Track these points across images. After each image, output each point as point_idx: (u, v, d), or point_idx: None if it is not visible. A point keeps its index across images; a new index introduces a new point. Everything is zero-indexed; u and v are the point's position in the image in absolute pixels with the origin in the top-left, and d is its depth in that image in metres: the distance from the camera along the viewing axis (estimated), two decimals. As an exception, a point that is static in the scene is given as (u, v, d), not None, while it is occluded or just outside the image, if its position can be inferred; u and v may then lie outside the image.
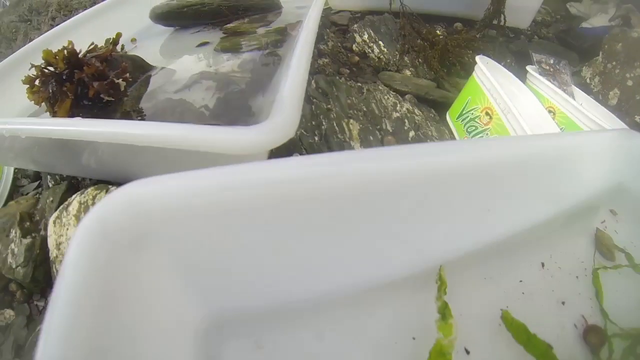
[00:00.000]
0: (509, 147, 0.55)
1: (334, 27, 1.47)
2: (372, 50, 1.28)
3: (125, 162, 0.76)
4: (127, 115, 0.79)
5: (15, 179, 1.16)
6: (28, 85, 0.80)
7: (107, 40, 1.28)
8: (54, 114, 0.79)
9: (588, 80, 1.36)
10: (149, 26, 1.38)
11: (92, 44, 1.24)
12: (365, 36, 1.30)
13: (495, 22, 1.37)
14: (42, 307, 0.84)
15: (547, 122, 0.99)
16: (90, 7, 2.25)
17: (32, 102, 0.80)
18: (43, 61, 0.80)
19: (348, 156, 0.44)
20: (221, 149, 0.50)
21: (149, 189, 0.38)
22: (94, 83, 0.77)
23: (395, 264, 0.52)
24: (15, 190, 1.14)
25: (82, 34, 1.27)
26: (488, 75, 0.94)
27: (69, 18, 2.27)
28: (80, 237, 0.32)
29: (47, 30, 2.32)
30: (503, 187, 0.55)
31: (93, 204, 0.70)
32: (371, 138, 0.90)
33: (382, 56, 1.26)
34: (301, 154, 0.86)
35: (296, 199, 0.42)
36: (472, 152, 0.51)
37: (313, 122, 0.88)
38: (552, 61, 1.22)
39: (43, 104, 0.82)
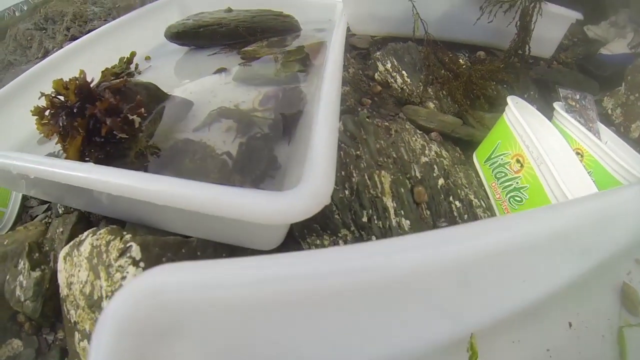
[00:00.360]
0: (551, 219, 0.53)
1: (354, 50, 1.40)
2: (395, 81, 1.21)
3: (142, 211, 0.70)
4: (142, 158, 0.73)
5: (24, 199, 1.11)
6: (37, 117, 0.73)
7: (121, 59, 1.21)
8: (64, 149, 0.71)
9: (610, 111, 1.29)
10: (163, 44, 1.32)
11: (105, 70, 1.18)
12: (389, 65, 1.23)
13: (519, 51, 1.30)
14: (51, 342, 0.79)
15: (575, 166, 0.92)
16: (105, 19, 2.20)
17: (42, 134, 0.73)
18: (53, 90, 0.73)
19: (390, 246, 0.40)
20: (254, 219, 0.46)
21: (172, 279, 0.35)
22: (107, 119, 0.70)
23: (429, 334, 0.49)
24: (24, 211, 1.08)
25: (97, 51, 1.21)
26: (520, 120, 0.87)
27: (83, 29, 2.21)
28: (105, 328, 0.31)
29: (62, 40, 2.26)
30: (542, 256, 0.53)
31: (107, 250, 0.65)
32: (402, 190, 0.85)
33: (405, 87, 1.19)
34: (332, 212, 0.78)
35: (328, 293, 0.39)
36: (515, 228, 0.49)
37: (343, 173, 0.81)
38: (577, 96, 1.15)
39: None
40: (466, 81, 1.22)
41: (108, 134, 0.71)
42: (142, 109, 0.75)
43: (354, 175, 0.84)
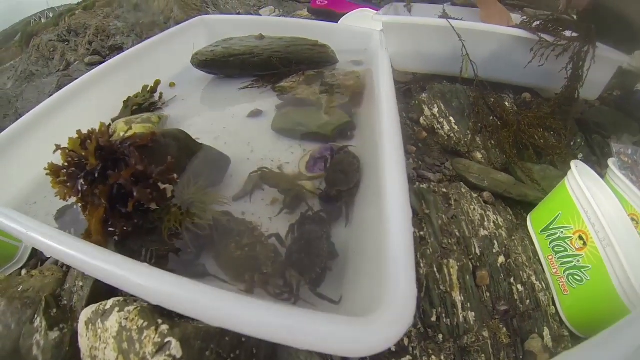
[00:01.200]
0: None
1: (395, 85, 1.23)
2: (442, 127, 1.06)
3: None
4: (177, 238, 0.59)
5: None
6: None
7: (144, 88, 1.06)
8: (85, 216, 0.57)
9: (650, 157, 1.13)
10: (188, 68, 1.16)
11: (128, 100, 1.02)
12: (436, 109, 1.07)
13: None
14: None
15: (631, 234, 0.78)
16: (127, 34, 2.05)
17: (58, 196, 0.58)
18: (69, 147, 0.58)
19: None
20: (335, 352, 0.39)
21: None
22: (133, 189, 0.54)
23: None
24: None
25: (119, 76, 1.05)
26: (585, 192, 0.73)
27: (105, 43, 2.06)
28: None
29: (84, 54, 2.11)
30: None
31: (140, 340, 0.51)
32: (467, 277, 0.74)
33: (452, 134, 1.04)
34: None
35: None
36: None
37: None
38: (629, 151, 1.00)
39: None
40: (516, 130, 1.06)
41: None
42: (175, 176, 0.59)
43: (422, 265, 0.70)
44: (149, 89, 1.05)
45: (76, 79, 1.72)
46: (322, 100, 0.94)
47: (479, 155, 1.02)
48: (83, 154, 0.57)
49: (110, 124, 0.95)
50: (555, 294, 0.76)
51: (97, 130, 0.60)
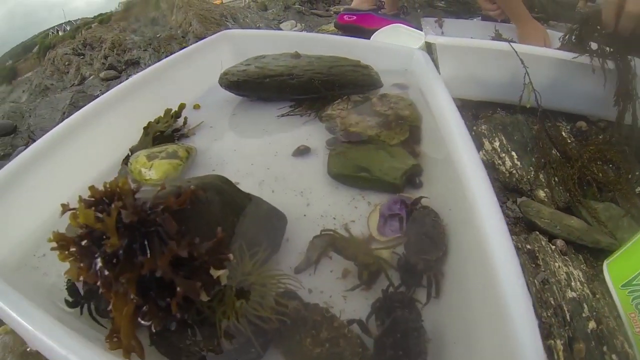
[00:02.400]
0: None
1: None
2: (503, 163, 0.88)
3: None
4: (236, 335, 0.40)
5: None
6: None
7: (167, 112, 0.86)
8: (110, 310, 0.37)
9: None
10: (213, 89, 0.97)
11: (149, 127, 0.82)
12: (497, 144, 0.89)
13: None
14: None
15: None
16: (145, 48, 1.84)
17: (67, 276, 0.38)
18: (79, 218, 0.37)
19: None
20: None
21: None
22: (175, 279, 0.34)
23: None
24: None
25: (138, 99, 0.85)
26: None
27: (121, 58, 1.86)
28: None
29: (99, 68, 1.90)
30: None
31: None
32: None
33: (514, 170, 0.87)
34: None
35: None
36: None
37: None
38: None
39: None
40: (580, 167, 0.89)
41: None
42: (230, 256, 0.39)
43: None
44: (172, 113, 0.85)
45: (90, 94, 1.52)
46: (381, 136, 0.74)
47: (541, 194, 0.85)
48: (99, 226, 0.36)
49: (128, 157, 0.75)
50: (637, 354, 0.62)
51: (118, 187, 0.40)
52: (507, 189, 0.86)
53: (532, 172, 0.87)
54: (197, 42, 1.57)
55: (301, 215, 0.62)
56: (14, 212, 0.61)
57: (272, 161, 0.73)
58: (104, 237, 0.38)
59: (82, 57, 2.17)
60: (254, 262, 0.46)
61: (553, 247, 0.74)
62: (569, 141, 0.95)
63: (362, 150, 0.72)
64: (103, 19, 2.92)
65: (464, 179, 0.56)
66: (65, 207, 0.41)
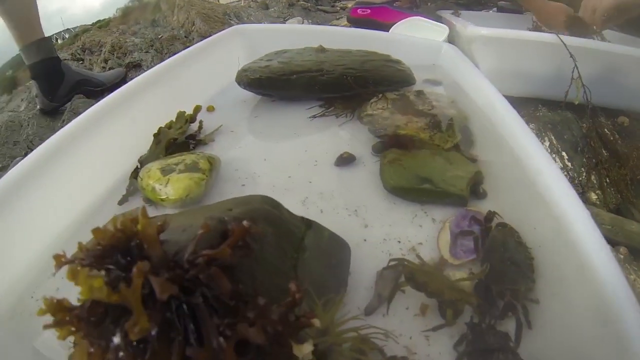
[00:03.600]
0: None
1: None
2: None
3: None
4: None
5: None
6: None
7: (179, 115, 0.70)
8: None
9: None
10: (228, 88, 0.82)
11: (159, 134, 0.66)
12: (547, 144, 0.77)
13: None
14: None
15: None
16: (146, 50, 1.67)
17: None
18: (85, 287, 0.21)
19: None
20: None
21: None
22: None
23: None
24: None
25: (145, 102, 0.69)
26: None
27: (122, 61, 1.68)
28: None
29: (99, 71, 1.73)
30: None
31: None
32: None
33: (565, 172, 0.75)
34: None
35: None
36: None
37: None
38: None
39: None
40: (632, 166, 0.76)
41: None
42: (316, 321, 0.24)
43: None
44: (185, 117, 0.70)
45: (90, 101, 1.35)
46: (435, 139, 0.59)
47: (593, 196, 0.74)
48: (115, 298, 0.21)
49: (138, 169, 0.60)
50: None
51: (136, 231, 0.25)
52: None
53: (584, 174, 0.73)
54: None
55: (360, 240, 0.48)
56: (5, 243, 0.46)
57: (312, 173, 0.58)
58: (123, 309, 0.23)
59: (81, 62, 1.99)
60: (328, 313, 0.31)
61: (621, 256, 0.61)
62: (613, 138, 0.81)
63: (418, 157, 0.57)
64: (102, 25, 2.72)
65: (543, 188, 0.44)
66: (59, 260, 0.26)
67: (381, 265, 0.43)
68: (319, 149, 0.62)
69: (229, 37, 0.98)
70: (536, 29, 1.03)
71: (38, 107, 1.31)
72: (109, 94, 1.50)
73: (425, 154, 0.58)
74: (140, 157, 0.64)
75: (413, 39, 0.98)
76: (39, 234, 0.48)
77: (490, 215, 0.49)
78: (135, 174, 0.60)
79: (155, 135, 0.67)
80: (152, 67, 1.51)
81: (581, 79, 0.76)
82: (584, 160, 0.76)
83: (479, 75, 0.75)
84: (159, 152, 0.64)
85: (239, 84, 0.76)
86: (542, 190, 0.46)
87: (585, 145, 0.77)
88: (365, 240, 0.48)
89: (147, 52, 1.58)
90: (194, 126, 0.72)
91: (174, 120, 0.71)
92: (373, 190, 0.54)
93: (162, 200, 0.51)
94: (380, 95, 0.71)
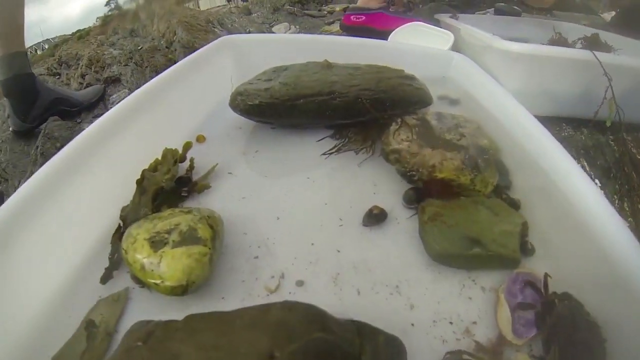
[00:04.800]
0: None
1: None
2: None
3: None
4: None
5: None
6: None
7: (165, 154, 0.55)
8: None
9: None
10: (219, 110, 0.69)
11: (144, 179, 0.52)
12: None
13: None
14: None
15: None
16: (125, 64, 1.49)
17: None
18: None
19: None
20: None
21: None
22: None
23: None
24: None
25: (124, 139, 0.55)
26: None
27: (100, 75, 1.50)
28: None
29: (77, 88, 1.54)
30: None
31: None
32: None
33: None
34: None
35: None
36: None
37: None
38: None
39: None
40: None
41: None
42: None
43: None
44: (173, 156, 0.55)
45: (65, 123, 1.18)
46: (476, 183, 0.46)
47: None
48: None
49: (121, 228, 0.45)
50: None
51: None
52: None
53: (617, 201, 0.63)
54: (186, 52, 1.25)
55: (407, 325, 0.35)
56: None
57: (339, 236, 0.44)
58: None
59: (58, 76, 1.80)
60: None
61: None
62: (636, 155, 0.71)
63: (460, 210, 0.44)
64: (82, 35, 2.51)
65: (602, 239, 0.35)
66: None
67: (436, 357, 0.31)
68: (341, 202, 0.48)
69: (217, 50, 0.83)
70: (556, 42, 0.90)
71: (11, 128, 1.14)
72: (86, 114, 1.32)
73: (467, 204, 0.45)
74: (123, 211, 0.49)
75: (421, 49, 0.85)
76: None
77: (547, 280, 0.38)
78: (118, 236, 0.46)
79: (138, 183, 0.52)
80: (132, 81, 1.35)
81: (615, 99, 0.65)
82: (617, 186, 0.65)
83: (501, 91, 0.63)
84: (145, 204, 0.50)
85: (233, 109, 0.62)
86: (601, 241, 0.35)
87: (618, 171, 0.66)
88: (413, 325, 0.35)
89: (126, 65, 1.40)
90: (185, 164, 0.57)
91: (160, 158, 0.56)
92: (413, 256, 0.42)
93: (155, 285, 0.37)
94: (400, 120, 0.57)
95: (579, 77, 0.66)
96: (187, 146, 0.57)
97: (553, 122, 0.72)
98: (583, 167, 0.65)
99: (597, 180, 0.64)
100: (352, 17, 1.13)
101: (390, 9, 1.14)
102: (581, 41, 0.84)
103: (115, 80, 1.41)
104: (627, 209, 0.64)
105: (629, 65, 0.66)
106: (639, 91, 0.68)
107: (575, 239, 0.41)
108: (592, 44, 0.84)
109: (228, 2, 2.28)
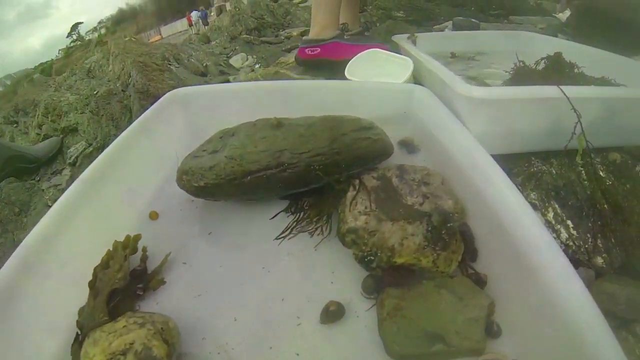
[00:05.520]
0: None
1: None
2: (558, 236, 0.61)
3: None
4: None
5: None
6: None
7: (117, 248, 0.50)
8: None
9: None
10: (171, 178, 0.62)
11: (97, 281, 0.47)
12: (551, 215, 0.62)
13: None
14: None
15: None
16: (82, 111, 1.41)
17: None
18: None
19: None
20: None
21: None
22: None
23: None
24: None
25: (77, 224, 0.50)
26: None
27: (58, 125, 1.42)
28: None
29: (34, 139, 1.46)
30: None
31: None
32: None
33: (570, 242, 0.60)
34: None
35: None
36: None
37: None
38: None
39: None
40: (637, 222, 0.63)
41: None
42: None
43: None
44: (125, 250, 0.50)
45: (22, 183, 1.11)
46: (439, 264, 0.42)
47: (599, 261, 0.60)
48: None
49: (79, 337, 0.41)
50: None
51: None
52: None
53: (590, 240, 0.60)
54: (140, 98, 1.19)
55: None
56: None
57: (297, 337, 0.40)
58: None
59: (15, 125, 1.72)
60: None
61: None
62: (605, 178, 0.68)
63: (421, 299, 0.41)
64: (45, 68, 2.39)
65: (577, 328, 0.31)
66: None
67: None
68: (298, 296, 0.44)
69: (166, 108, 0.78)
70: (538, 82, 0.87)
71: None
72: (45, 169, 1.23)
73: (429, 292, 0.41)
74: (80, 316, 0.44)
75: (379, 86, 0.81)
76: None
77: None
78: (77, 345, 0.42)
79: (90, 285, 0.47)
80: (89, 132, 1.28)
81: (584, 135, 0.62)
82: (590, 224, 0.62)
83: (464, 135, 0.59)
84: (100, 306, 0.45)
85: (181, 188, 0.57)
86: (571, 323, 0.32)
87: (591, 210, 0.63)
88: None
89: (82, 112, 1.33)
90: (138, 257, 0.52)
91: (112, 251, 0.51)
92: (374, 355, 0.37)
93: None
94: (358, 182, 0.53)
95: (548, 114, 0.63)
96: (137, 238, 0.51)
97: (521, 157, 0.68)
98: (554, 209, 0.61)
99: (569, 222, 0.60)
100: (306, 50, 1.08)
101: (345, 37, 1.09)
102: (544, 61, 0.81)
103: (72, 130, 1.34)
104: (600, 245, 0.61)
105: (596, 96, 0.63)
106: (608, 119, 0.65)
107: (543, 317, 0.37)
108: (555, 64, 0.81)
109: (190, 26, 2.22)
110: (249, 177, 0.53)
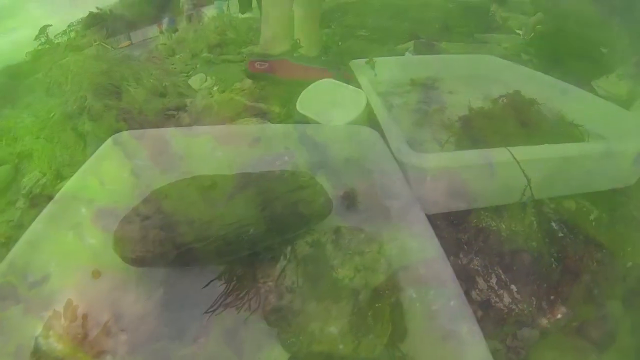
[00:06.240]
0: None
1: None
2: (501, 299, 0.62)
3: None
4: None
5: None
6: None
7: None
8: None
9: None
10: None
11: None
12: (494, 280, 0.63)
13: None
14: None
15: None
16: (37, 136, 1.36)
17: None
18: None
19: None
20: None
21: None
22: None
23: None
24: None
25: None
26: None
27: (12, 149, 1.38)
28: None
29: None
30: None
31: None
32: None
33: (514, 306, 0.61)
34: None
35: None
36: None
37: None
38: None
39: None
40: (585, 280, 0.65)
41: None
42: None
43: None
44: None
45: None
46: (360, 351, 0.43)
47: (544, 322, 0.62)
48: None
49: None
50: None
51: None
52: (500, 324, 0.60)
53: (534, 302, 0.61)
54: (93, 126, 1.16)
55: None
56: None
57: None
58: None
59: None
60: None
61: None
62: (558, 232, 0.69)
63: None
64: (11, 74, 2.38)
65: None
66: None
67: None
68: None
69: (107, 155, 0.77)
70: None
71: None
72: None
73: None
74: None
75: (323, 130, 0.80)
76: None
77: None
78: None
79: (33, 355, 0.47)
80: (43, 159, 1.24)
81: (533, 196, 0.64)
82: (535, 287, 0.63)
83: (409, 196, 0.60)
84: None
85: (116, 253, 0.56)
86: None
87: (537, 274, 0.64)
88: None
89: (37, 137, 1.30)
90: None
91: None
92: None
93: None
94: (290, 251, 0.53)
95: (499, 174, 0.64)
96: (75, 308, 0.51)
97: (471, 213, 0.69)
98: (498, 274, 0.62)
99: (513, 286, 0.61)
100: (256, 63, 1.06)
101: (295, 54, 1.07)
102: (503, 99, 0.83)
103: (27, 156, 1.30)
104: (545, 306, 0.62)
105: (548, 157, 0.65)
106: (562, 173, 0.67)
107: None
108: (513, 101, 0.83)
109: (160, 33, 2.20)
110: (176, 252, 0.52)
